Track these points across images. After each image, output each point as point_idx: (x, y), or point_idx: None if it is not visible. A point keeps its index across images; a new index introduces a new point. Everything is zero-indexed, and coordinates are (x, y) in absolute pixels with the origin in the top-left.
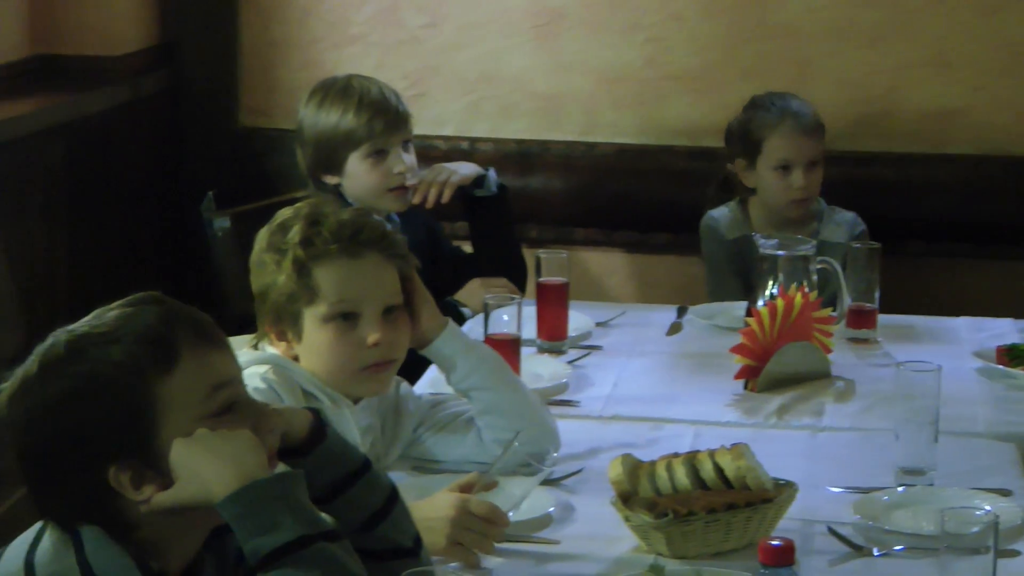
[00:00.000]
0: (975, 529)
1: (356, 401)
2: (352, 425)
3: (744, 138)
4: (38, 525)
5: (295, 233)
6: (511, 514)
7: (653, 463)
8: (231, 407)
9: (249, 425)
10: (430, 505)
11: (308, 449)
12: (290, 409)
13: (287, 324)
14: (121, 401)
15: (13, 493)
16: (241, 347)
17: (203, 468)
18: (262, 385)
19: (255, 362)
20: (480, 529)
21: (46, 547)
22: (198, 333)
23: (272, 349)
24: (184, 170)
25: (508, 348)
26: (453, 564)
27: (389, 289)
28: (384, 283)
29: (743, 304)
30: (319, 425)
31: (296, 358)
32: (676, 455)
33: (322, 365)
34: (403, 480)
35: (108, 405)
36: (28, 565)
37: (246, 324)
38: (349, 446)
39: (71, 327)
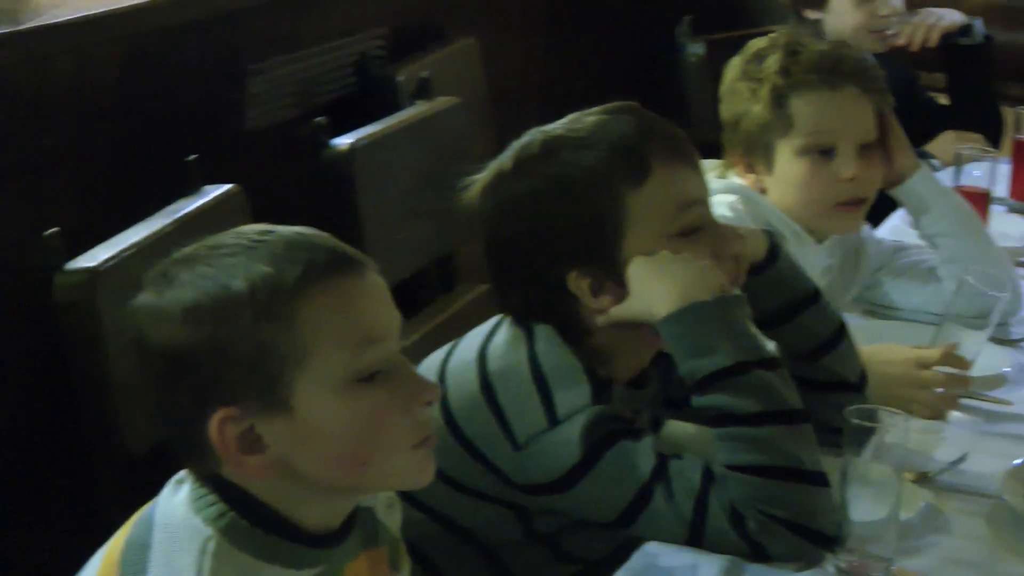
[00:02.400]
0: None
1: (820, 240)
2: (813, 264)
3: None
4: (496, 318)
5: (773, 62)
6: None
7: None
8: (695, 229)
9: (711, 248)
10: (884, 360)
11: (759, 271)
12: (750, 231)
13: (758, 155)
14: (588, 207)
15: (472, 289)
16: (707, 174)
17: (653, 286)
18: (729, 214)
19: (724, 191)
20: (940, 386)
21: (500, 339)
22: (672, 148)
23: (739, 180)
24: None
25: (977, 202)
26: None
27: (865, 124)
28: (861, 117)
29: None
30: (773, 248)
31: (763, 191)
32: None
33: (793, 199)
34: (855, 322)
35: (575, 209)
36: (481, 354)
37: (710, 151)
38: (800, 273)
39: (548, 127)
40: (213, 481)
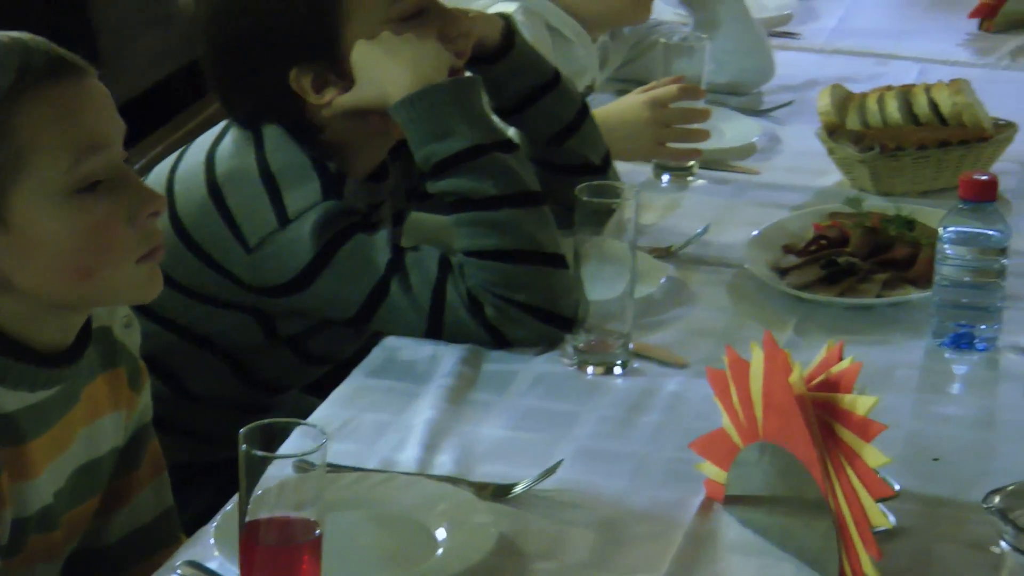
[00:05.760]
0: None
1: (595, 40)
2: (594, 64)
3: None
4: (223, 124)
5: None
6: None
7: (864, 95)
8: (419, 11)
9: (436, 30)
10: (624, 109)
11: (498, 57)
12: (481, 14)
13: None
14: (302, 1)
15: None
16: None
17: (382, 70)
18: None
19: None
20: (683, 122)
21: (228, 143)
22: None
23: None
24: None
25: None
26: (666, 176)
27: None
28: None
29: None
30: (509, 32)
31: None
32: (889, 88)
33: None
34: (610, 100)
35: (292, 4)
36: (209, 159)
37: None
38: (540, 57)
39: None
40: None
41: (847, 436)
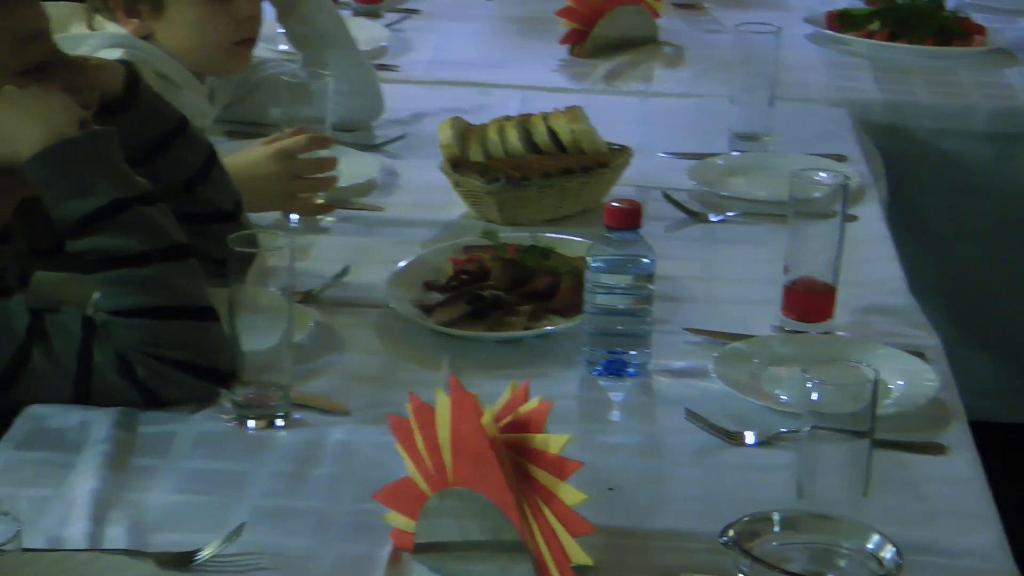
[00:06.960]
0: (820, 194)
1: (203, 83)
2: (207, 107)
3: None
4: None
5: None
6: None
7: (484, 126)
8: (42, 63)
9: (62, 82)
10: (251, 163)
11: (124, 106)
12: (104, 62)
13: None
14: None
15: None
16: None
17: (9, 126)
18: None
19: (106, 45)
20: (312, 173)
21: None
22: None
23: (113, 27)
24: None
25: None
26: (295, 216)
27: None
28: None
29: None
30: (134, 80)
31: (147, 37)
32: (508, 118)
33: (192, 41)
34: (223, 144)
35: None
36: None
37: None
38: (165, 104)
39: None
40: None
41: (542, 476)
